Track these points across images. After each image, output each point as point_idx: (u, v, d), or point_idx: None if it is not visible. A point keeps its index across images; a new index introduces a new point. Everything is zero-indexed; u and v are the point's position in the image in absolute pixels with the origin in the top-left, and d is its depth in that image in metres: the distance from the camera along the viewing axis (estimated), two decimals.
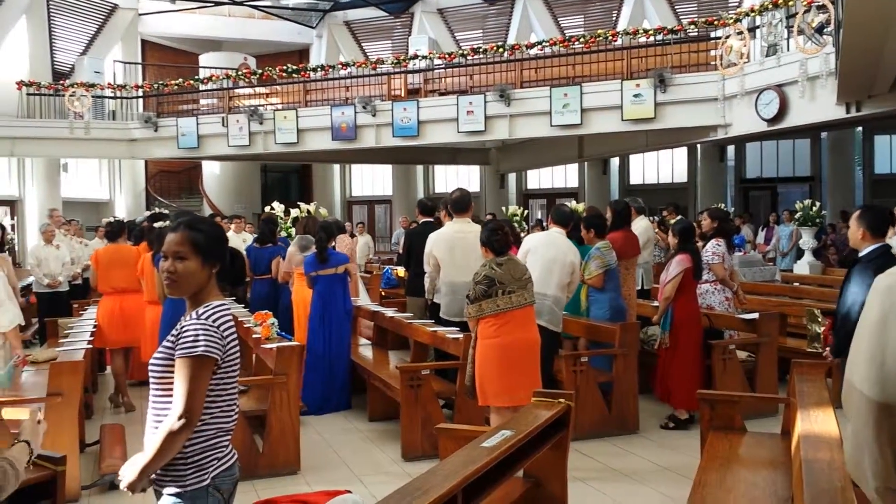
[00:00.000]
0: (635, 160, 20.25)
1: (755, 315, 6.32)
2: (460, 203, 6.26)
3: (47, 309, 9.34)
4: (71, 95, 15.21)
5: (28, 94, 15.25)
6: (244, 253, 7.94)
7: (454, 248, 6.05)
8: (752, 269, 9.81)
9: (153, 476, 2.27)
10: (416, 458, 5.17)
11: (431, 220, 7.24)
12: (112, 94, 16.19)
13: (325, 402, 6.59)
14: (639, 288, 7.51)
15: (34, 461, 2.85)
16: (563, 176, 21.03)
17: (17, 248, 14.81)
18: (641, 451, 5.38)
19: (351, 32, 20.34)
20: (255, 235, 9.05)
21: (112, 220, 8.61)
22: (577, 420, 5.52)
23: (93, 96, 15.57)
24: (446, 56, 14.82)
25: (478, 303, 4.60)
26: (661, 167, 20.16)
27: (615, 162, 19.82)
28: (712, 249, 6.53)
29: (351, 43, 20.19)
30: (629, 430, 5.77)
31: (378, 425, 6.16)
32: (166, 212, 13.71)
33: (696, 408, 4.95)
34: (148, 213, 13.24)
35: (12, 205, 16.21)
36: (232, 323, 2.35)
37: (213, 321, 2.28)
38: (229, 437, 2.37)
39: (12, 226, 15.61)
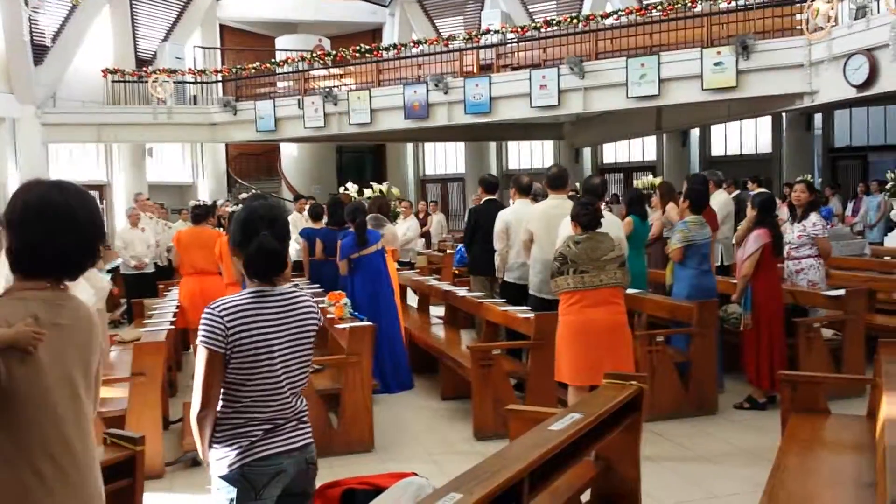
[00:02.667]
0: (717, 131, 19.59)
1: (841, 291, 6.02)
2: (558, 180, 6.14)
3: (134, 289, 9.70)
4: (154, 81, 15.69)
5: (113, 82, 15.81)
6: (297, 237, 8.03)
7: (550, 225, 5.93)
8: (839, 244, 9.36)
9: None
10: (487, 437, 5.16)
11: (495, 197, 7.17)
12: (193, 80, 16.61)
13: (393, 382, 6.61)
14: (718, 264, 7.28)
15: (113, 440, 2.98)
16: (641, 149, 20.55)
17: (106, 232, 15.45)
18: (719, 433, 5.24)
19: (423, 9, 20.29)
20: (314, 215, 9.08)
21: (199, 202, 8.85)
22: (652, 400, 5.45)
23: (174, 82, 16.03)
24: (519, 30, 14.61)
25: (554, 279, 4.67)
26: (744, 138, 19.44)
27: (695, 133, 19.23)
28: (818, 222, 6.28)
29: (423, 20, 20.14)
30: (707, 411, 5.61)
31: (450, 404, 6.19)
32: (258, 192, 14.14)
33: (778, 389, 4.79)
34: (222, 199, 13.59)
35: (101, 189, 16.87)
36: (245, 312, 2.33)
37: (219, 311, 2.32)
38: (265, 428, 2.36)
39: (101, 210, 16.28)
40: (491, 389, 5.27)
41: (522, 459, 2.65)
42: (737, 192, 9.16)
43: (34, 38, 14.11)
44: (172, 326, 6.12)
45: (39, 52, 14.68)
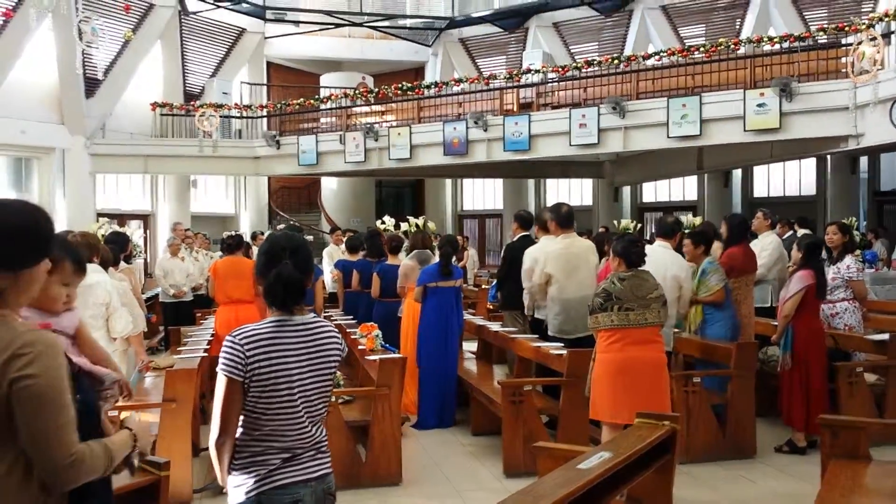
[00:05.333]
0: (759, 172, 19.35)
1: (886, 336, 5.85)
2: (570, 218, 6.17)
3: (172, 317, 9.84)
4: (201, 115, 16.06)
5: (161, 115, 16.22)
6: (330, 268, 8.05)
7: (568, 264, 5.91)
8: (884, 287, 9.14)
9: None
10: (517, 474, 5.07)
11: (529, 233, 7.15)
12: (238, 114, 16.98)
13: (441, 419, 6.55)
14: (767, 305, 7.13)
15: (139, 464, 2.98)
16: (681, 188, 20.37)
17: (148, 260, 15.77)
18: (757, 477, 5.08)
19: (466, 49, 20.54)
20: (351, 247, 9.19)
21: (232, 233, 8.99)
22: (688, 443, 5.32)
23: (221, 116, 16.39)
24: (560, 69, 14.69)
25: (594, 315, 4.59)
26: (788, 179, 19.17)
27: (738, 173, 19.02)
28: (852, 265, 6.15)
29: (465, 60, 20.38)
30: (745, 455, 5.45)
31: (481, 439, 6.10)
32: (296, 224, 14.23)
33: (817, 433, 4.63)
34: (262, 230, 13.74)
35: (145, 219, 17.27)
36: (265, 341, 2.34)
37: (240, 339, 2.33)
38: (284, 457, 2.36)
39: (144, 239, 16.67)
40: (522, 426, 5.19)
41: (548, 497, 2.59)
42: (790, 232, 8.95)
43: (86, 71, 14.58)
44: (206, 354, 6.15)
45: (91, 85, 15.15)
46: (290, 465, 2.36)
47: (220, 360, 2.33)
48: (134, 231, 11.97)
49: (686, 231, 9.98)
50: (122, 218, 15.58)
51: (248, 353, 2.30)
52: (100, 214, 12.92)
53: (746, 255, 6.43)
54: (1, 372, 1.69)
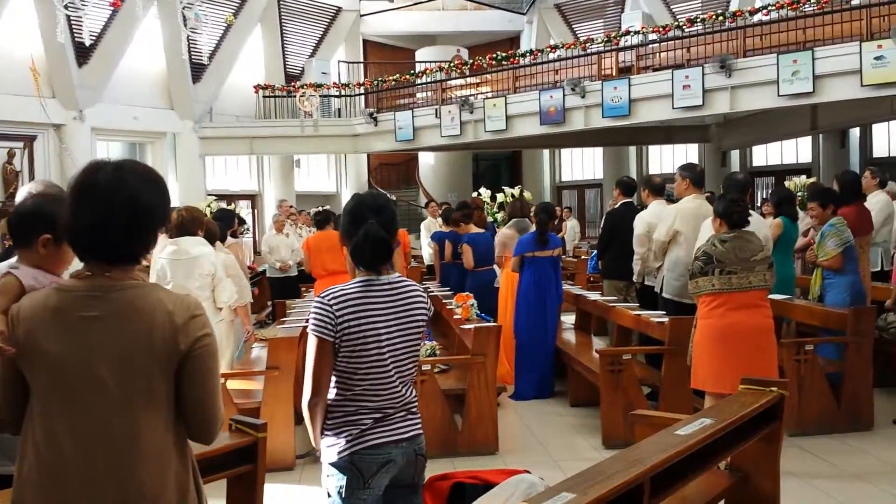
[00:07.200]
0: (879, 130, 18.08)
1: None
2: (702, 176, 5.94)
3: (279, 292, 10.15)
4: (301, 96, 16.38)
5: (264, 97, 16.68)
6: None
7: (699, 224, 5.66)
8: None
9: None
10: (617, 445, 4.93)
11: (632, 200, 6.91)
12: (337, 93, 17.25)
13: (539, 390, 6.47)
14: (877, 269, 6.68)
15: (238, 426, 3.07)
16: (794, 150, 19.30)
17: (256, 238, 16.33)
18: (874, 450, 4.78)
19: (562, 15, 20.08)
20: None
21: (319, 208, 9.15)
22: (800, 414, 5.06)
23: (320, 96, 16.68)
24: (661, 29, 14.13)
25: (695, 279, 4.41)
26: None
27: (855, 133, 17.84)
28: None
29: (561, 26, 19.93)
30: (862, 427, 5.14)
31: (580, 410, 6.00)
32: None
33: None
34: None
35: (252, 198, 17.86)
36: (354, 301, 2.34)
37: (328, 300, 2.34)
38: (375, 417, 2.36)
39: (252, 217, 17.25)
40: (621, 396, 5.07)
41: (643, 463, 2.51)
42: None
43: (192, 56, 15.10)
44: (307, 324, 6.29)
45: (197, 70, 15.70)
46: (382, 426, 2.37)
47: (311, 322, 2.35)
48: (241, 209, 12.40)
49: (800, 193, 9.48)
50: (230, 198, 16.15)
51: (337, 314, 2.31)
52: (210, 195, 13.41)
53: (860, 214, 6.03)
54: (184, 332, 1.76)
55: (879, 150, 18.28)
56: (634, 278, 6.46)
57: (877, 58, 10.80)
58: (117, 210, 1.73)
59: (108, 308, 1.73)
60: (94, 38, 13.06)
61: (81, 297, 1.75)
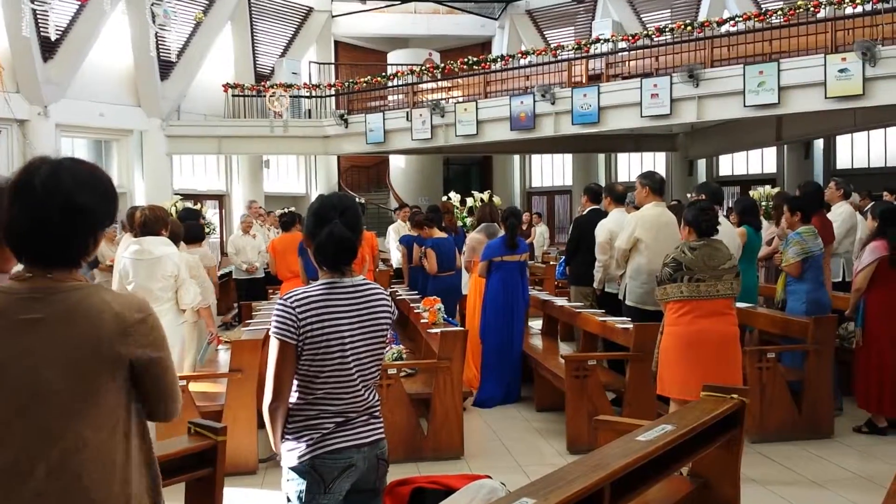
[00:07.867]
0: (842, 141, 18.45)
1: None
2: (662, 185, 5.96)
3: (245, 293, 10.04)
4: (271, 96, 16.27)
5: (233, 96, 16.50)
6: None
7: (659, 232, 5.70)
8: None
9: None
10: (581, 450, 4.96)
11: (601, 207, 6.96)
12: (308, 94, 17.14)
13: (505, 394, 6.48)
14: (838, 279, 6.79)
15: (197, 430, 3.02)
16: (760, 161, 19.61)
17: (223, 239, 16.16)
18: (833, 457, 4.86)
19: (533, 21, 20.19)
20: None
21: (285, 210, 9.09)
22: (762, 421, 5.13)
23: (290, 96, 16.55)
24: (630, 38, 14.27)
25: (663, 286, 4.44)
26: (874, 149, 18.22)
27: (819, 144, 18.19)
28: None
29: (533, 32, 20.04)
30: (822, 435, 5.22)
31: (545, 416, 6.02)
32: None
33: (893, 415, 4.39)
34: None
35: (220, 199, 17.67)
36: (317, 303, 2.31)
37: (291, 302, 2.31)
38: (337, 421, 2.34)
39: (219, 218, 17.07)
40: (586, 401, 5.09)
41: (604, 468, 2.51)
42: (871, 203, 8.46)
43: (160, 53, 14.89)
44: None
45: (165, 68, 15.50)
46: (343, 430, 2.35)
47: (273, 324, 2.32)
48: (208, 209, 12.25)
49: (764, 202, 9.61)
50: (197, 198, 15.97)
51: (300, 316, 2.29)
52: (177, 195, 13.25)
53: (821, 225, 6.11)
54: (133, 333, 1.72)
55: (843, 161, 18.65)
56: (595, 285, 6.52)
57: (841, 70, 11.02)
58: (52, 213, 1.67)
59: (50, 310, 1.67)
60: (60, 32, 12.86)
61: (22, 299, 1.68)
